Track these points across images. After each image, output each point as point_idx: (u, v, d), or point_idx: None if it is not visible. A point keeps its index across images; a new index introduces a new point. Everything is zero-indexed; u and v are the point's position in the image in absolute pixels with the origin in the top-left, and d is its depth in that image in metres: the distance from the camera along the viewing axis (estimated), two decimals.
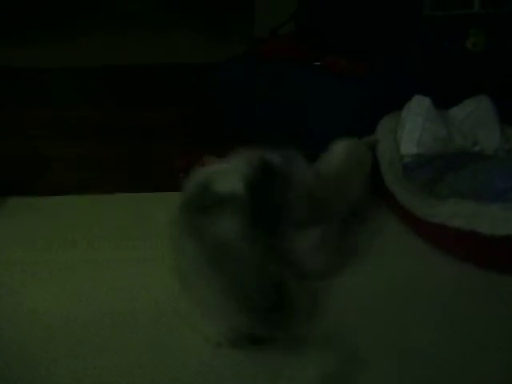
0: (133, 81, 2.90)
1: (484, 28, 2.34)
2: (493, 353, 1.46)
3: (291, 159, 1.61)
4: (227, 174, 1.52)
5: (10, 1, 3.09)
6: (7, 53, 2.71)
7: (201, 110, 2.52)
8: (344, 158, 1.83)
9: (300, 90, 2.24)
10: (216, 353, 1.42)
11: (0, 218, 2.05)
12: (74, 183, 2.22)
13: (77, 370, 1.39)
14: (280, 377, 1.37)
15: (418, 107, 2.02)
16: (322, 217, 1.65)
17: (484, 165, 1.87)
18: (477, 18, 2.53)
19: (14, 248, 1.87)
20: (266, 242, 1.39)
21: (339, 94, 2.19)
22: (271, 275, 1.35)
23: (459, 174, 1.85)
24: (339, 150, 1.86)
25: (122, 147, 2.38)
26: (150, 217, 2.01)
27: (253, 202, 1.43)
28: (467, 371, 1.41)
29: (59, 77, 2.93)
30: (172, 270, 1.44)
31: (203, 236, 1.37)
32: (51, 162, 2.31)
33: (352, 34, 2.28)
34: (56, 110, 2.50)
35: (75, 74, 2.99)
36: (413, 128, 1.99)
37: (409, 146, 1.97)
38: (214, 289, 1.33)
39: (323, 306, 1.58)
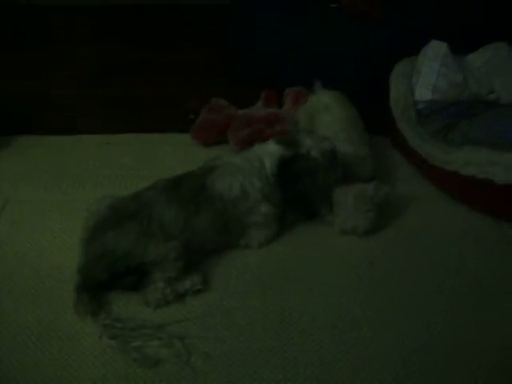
0: (147, 20, 2.82)
1: None
2: (502, 298, 1.48)
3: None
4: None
5: None
6: None
7: (214, 52, 2.45)
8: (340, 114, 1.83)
9: (316, 30, 2.17)
10: None
11: (10, 155, 2.03)
12: (84, 123, 2.18)
13: None
14: None
15: (435, 52, 1.96)
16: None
17: (499, 113, 1.84)
18: None
19: (22, 186, 1.87)
20: None
21: (354, 36, 2.13)
22: None
23: (474, 122, 1.82)
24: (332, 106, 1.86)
25: (133, 87, 2.33)
26: (157, 158, 2.00)
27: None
28: (477, 318, 1.43)
29: (71, 15, 2.85)
30: None
31: None
32: (62, 101, 2.28)
33: None
34: (68, 49, 2.44)
35: (88, 13, 2.91)
36: (428, 73, 1.94)
37: (423, 92, 1.93)
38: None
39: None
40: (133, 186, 1.63)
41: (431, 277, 1.55)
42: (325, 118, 1.81)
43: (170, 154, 2.02)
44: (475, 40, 2.05)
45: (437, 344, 1.38)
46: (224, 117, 2.02)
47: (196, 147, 2.05)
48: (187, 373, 1.31)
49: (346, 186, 1.66)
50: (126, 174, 1.91)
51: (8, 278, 1.53)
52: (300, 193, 1.59)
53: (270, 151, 1.59)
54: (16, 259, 1.59)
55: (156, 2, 2.80)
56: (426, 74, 1.95)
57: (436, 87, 1.93)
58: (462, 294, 1.49)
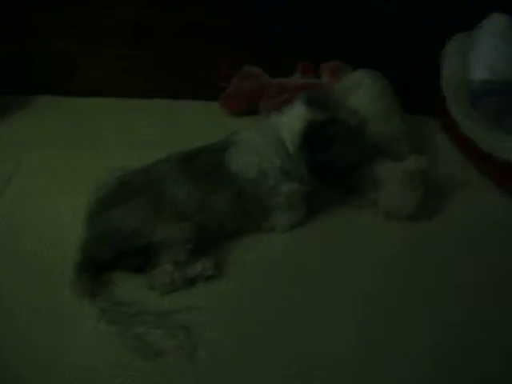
0: None
1: None
2: None
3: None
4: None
5: None
6: None
7: (251, 17, 2.27)
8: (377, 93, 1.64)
9: None
10: None
11: (27, 116, 1.92)
12: (106, 85, 2.04)
13: None
14: None
15: (494, 26, 1.75)
16: None
17: None
18: None
19: (36, 150, 1.75)
20: None
21: (404, 7, 1.92)
22: None
23: None
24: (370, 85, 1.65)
25: (163, 50, 2.17)
26: (182, 127, 1.85)
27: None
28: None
29: None
30: None
31: None
32: (83, 63, 2.14)
33: None
34: (92, 8, 2.29)
35: None
36: (486, 50, 1.73)
37: (479, 70, 1.72)
38: None
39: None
40: (152, 157, 1.48)
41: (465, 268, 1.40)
42: (358, 94, 1.63)
43: (196, 124, 1.86)
44: None
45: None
46: (257, 84, 1.85)
47: (225, 117, 1.89)
48: (190, 366, 1.18)
49: (387, 162, 1.49)
50: (147, 144, 1.77)
51: (9, 246, 1.43)
52: (336, 158, 1.38)
53: (295, 115, 1.40)
54: (21, 228, 1.48)
55: None
56: (483, 51, 1.74)
57: (494, 66, 1.71)
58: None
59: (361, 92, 1.64)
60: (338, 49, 1.94)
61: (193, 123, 1.87)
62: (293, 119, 1.39)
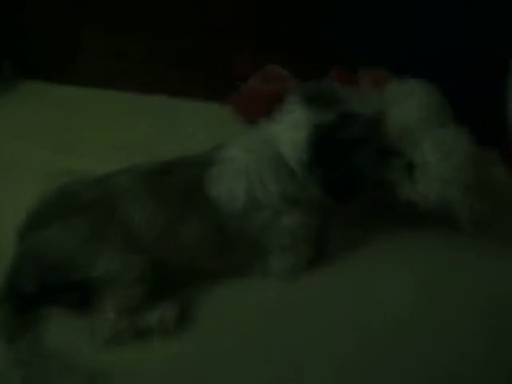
0: None
1: None
2: None
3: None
4: None
5: None
6: None
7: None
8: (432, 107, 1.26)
9: None
10: None
11: (13, 102, 1.65)
12: (109, 76, 1.75)
13: None
14: None
15: None
16: None
17: None
18: None
19: (17, 142, 1.47)
20: None
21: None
22: None
23: None
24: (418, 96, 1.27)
25: (176, 41, 1.86)
26: (185, 131, 1.54)
27: None
28: None
29: None
30: None
31: None
32: (85, 49, 1.85)
33: None
34: None
35: None
36: None
37: None
38: None
39: None
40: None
41: None
42: (407, 105, 1.27)
43: (202, 128, 1.54)
44: None
45: None
46: (278, 88, 1.51)
47: (238, 123, 1.56)
48: None
49: None
50: (140, 146, 1.45)
51: None
52: (362, 168, 1.03)
53: (294, 121, 1.04)
54: None
55: None
56: None
57: None
58: None
59: (411, 103, 1.29)
60: (382, 57, 1.58)
61: (199, 127, 1.55)
62: (292, 127, 1.04)
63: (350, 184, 1.04)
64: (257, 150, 1.06)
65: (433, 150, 1.13)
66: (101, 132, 1.51)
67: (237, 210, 1.02)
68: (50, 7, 1.91)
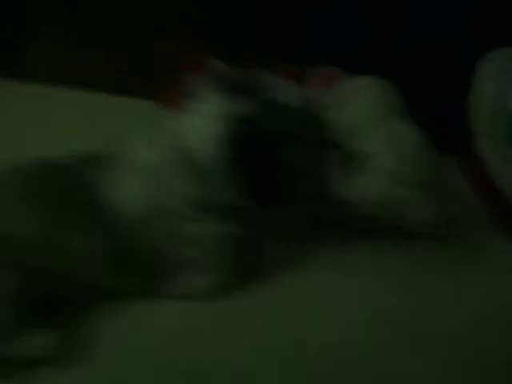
0: None
1: None
2: None
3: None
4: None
5: None
6: None
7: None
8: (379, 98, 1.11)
9: None
10: None
11: None
12: (45, 70, 1.60)
13: None
14: None
15: None
16: None
17: None
18: None
19: None
20: None
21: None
22: None
23: None
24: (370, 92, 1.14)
25: (114, 34, 1.71)
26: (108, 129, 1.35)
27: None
28: None
29: None
30: None
31: None
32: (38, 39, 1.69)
33: None
34: None
35: None
36: None
37: None
38: None
39: None
40: None
41: None
42: (355, 102, 1.12)
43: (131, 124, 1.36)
44: None
45: None
46: None
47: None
48: None
49: None
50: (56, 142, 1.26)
51: None
52: (289, 167, 0.88)
53: (208, 111, 0.87)
54: None
55: None
56: None
57: None
58: None
59: (360, 99, 1.14)
60: (337, 55, 1.43)
61: (127, 123, 1.37)
62: (205, 119, 0.87)
63: (280, 185, 0.87)
64: (162, 146, 0.89)
65: (375, 141, 0.98)
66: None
67: (136, 217, 0.85)
68: None
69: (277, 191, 0.88)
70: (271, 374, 0.85)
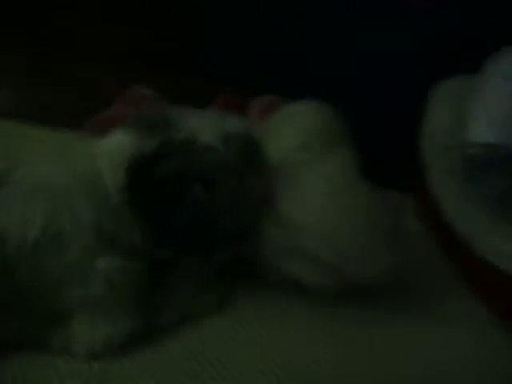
0: None
1: None
2: None
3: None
4: None
5: None
6: None
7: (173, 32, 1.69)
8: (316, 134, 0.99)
9: (319, 15, 1.38)
10: None
11: None
12: None
13: None
14: None
15: (507, 66, 1.14)
16: None
17: None
18: None
19: None
20: None
21: (388, 28, 1.33)
22: None
23: None
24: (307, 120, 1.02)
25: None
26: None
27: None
28: None
29: None
30: None
31: None
32: None
33: None
34: None
35: None
36: (494, 100, 1.12)
37: (482, 129, 1.10)
38: None
39: None
40: None
41: None
42: (284, 130, 1.00)
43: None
44: None
45: None
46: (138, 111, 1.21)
47: None
48: None
49: None
50: None
51: None
52: (188, 214, 0.76)
53: (116, 146, 0.78)
54: None
55: None
56: (489, 101, 1.13)
57: (505, 124, 1.10)
58: None
59: (291, 126, 1.02)
60: (285, 83, 1.32)
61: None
62: (113, 147, 0.78)
63: (186, 229, 0.75)
64: (67, 166, 0.76)
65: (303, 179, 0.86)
66: None
67: (27, 247, 0.70)
68: None
69: (182, 235, 0.76)
70: None
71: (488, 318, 1.01)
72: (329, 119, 1.02)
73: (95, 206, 0.74)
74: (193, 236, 0.76)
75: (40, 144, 1.22)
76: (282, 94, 1.27)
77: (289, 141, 0.96)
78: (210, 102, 1.31)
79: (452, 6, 1.26)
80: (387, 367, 0.88)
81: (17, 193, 0.74)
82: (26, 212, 0.72)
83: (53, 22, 1.72)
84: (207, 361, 0.83)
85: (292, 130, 0.98)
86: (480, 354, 0.94)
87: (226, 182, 0.76)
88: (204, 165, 0.75)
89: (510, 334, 0.98)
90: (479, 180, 1.06)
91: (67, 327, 0.76)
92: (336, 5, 1.35)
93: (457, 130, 1.15)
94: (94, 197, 0.74)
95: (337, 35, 1.34)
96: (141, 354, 0.81)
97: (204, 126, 0.76)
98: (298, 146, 0.95)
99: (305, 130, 0.98)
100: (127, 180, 0.74)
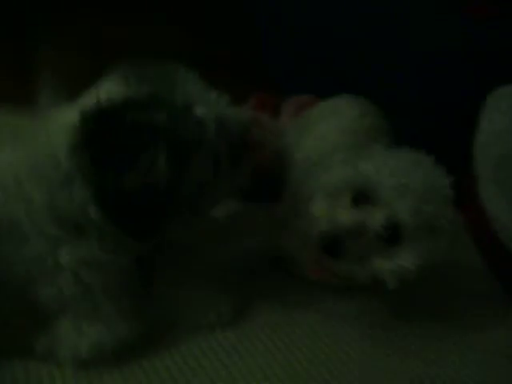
0: None
1: None
2: None
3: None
4: None
5: None
6: None
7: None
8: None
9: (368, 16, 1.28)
10: None
11: None
12: None
13: None
14: None
15: None
16: None
17: None
18: None
19: None
20: None
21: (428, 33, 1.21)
22: None
23: None
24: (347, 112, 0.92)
25: None
26: None
27: None
28: None
29: None
30: None
31: None
32: None
33: None
34: None
35: None
36: None
37: None
38: None
39: None
40: None
41: None
42: (320, 127, 0.90)
43: None
44: None
45: None
46: None
47: None
48: None
49: None
50: None
51: None
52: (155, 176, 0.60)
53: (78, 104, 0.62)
54: None
55: None
56: None
57: None
58: None
59: (331, 119, 0.91)
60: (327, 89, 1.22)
61: None
62: (69, 111, 0.62)
63: (139, 204, 0.60)
64: (27, 145, 0.64)
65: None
66: None
67: None
68: None
69: (116, 202, 0.60)
70: None
71: None
72: (377, 116, 0.92)
73: (46, 187, 0.61)
74: (128, 209, 0.60)
75: None
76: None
77: (327, 137, 0.85)
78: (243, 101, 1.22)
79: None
80: None
81: None
82: None
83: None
84: (208, 376, 0.72)
85: (331, 126, 0.88)
86: None
87: (198, 170, 0.63)
88: (184, 138, 0.61)
89: None
90: None
91: (51, 330, 0.65)
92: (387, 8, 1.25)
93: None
94: (44, 176, 0.61)
95: (387, 38, 1.24)
96: (134, 363, 0.70)
97: (204, 100, 0.64)
98: (336, 143, 0.84)
99: (344, 125, 0.88)
100: (82, 129, 0.59)
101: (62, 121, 0.61)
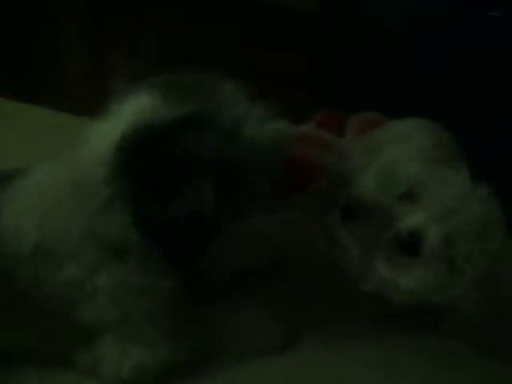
0: None
1: None
2: None
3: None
4: None
5: None
6: None
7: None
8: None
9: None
10: None
11: None
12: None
13: None
14: None
15: None
16: None
17: None
18: None
19: None
20: None
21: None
22: None
23: None
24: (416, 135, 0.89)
25: None
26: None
27: None
28: None
29: None
30: None
31: None
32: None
33: None
34: None
35: None
36: None
37: None
38: None
39: None
40: None
41: None
42: (399, 148, 0.86)
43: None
44: None
45: None
46: None
47: None
48: None
49: None
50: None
51: None
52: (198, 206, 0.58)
53: (126, 112, 0.60)
54: None
55: None
56: None
57: None
58: None
59: (404, 145, 0.87)
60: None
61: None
62: (117, 123, 0.60)
63: (183, 231, 0.58)
64: (68, 160, 0.64)
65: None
66: None
67: (25, 257, 0.61)
68: None
69: (177, 240, 0.59)
70: None
71: None
72: (442, 137, 0.88)
73: (86, 208, 0.60)
74: (173, 237, 0.59)
75: None
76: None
77: (400, 157, 0.82)
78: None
79: None
80: None
81: (17, 194, 0.65)
82: (21, 217, 0.63)
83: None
84: None
85: (404, 147, 0.84)
86: None
87: (245, 196, 0.61)
88: (233, 163, 0.59)
89: None
90: None
91: (95, 346, 0.66)
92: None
93: None
94: (84, 197, 0.60)
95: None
96: None
97: (257, 117, 0.61)
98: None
99: (418, 146, 0.84)
100: (124, 152, 0.57)
101: (101, 139, 0.60)
